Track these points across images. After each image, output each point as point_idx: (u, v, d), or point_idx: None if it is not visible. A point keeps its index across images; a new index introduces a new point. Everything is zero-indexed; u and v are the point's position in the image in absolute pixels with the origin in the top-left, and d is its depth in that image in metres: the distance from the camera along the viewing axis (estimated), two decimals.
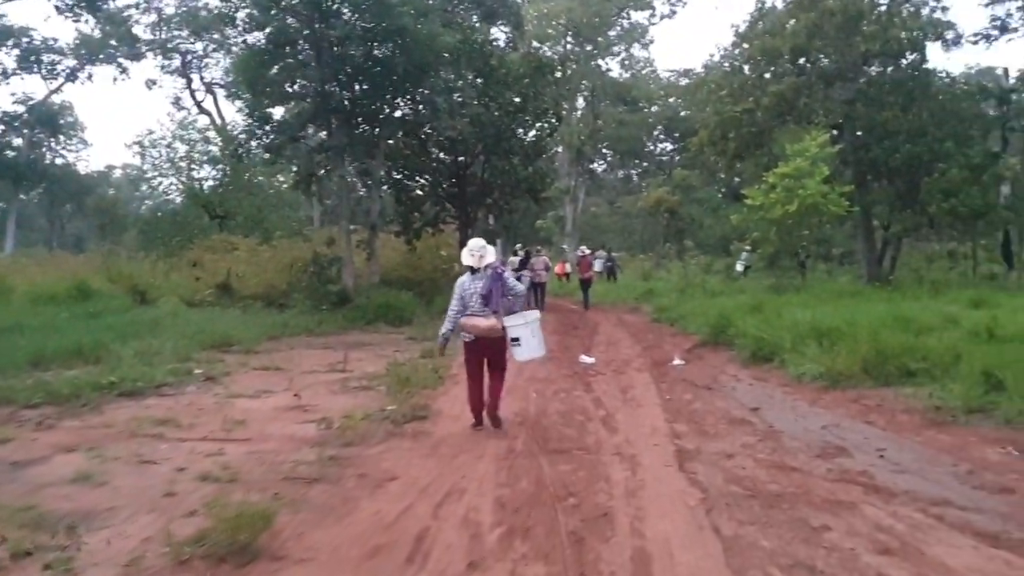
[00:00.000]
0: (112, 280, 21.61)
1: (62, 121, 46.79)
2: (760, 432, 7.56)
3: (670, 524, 5.00)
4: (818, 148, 21.46)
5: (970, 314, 12.62)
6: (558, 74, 27.30)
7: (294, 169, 21.04)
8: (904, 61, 24.12)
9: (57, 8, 33.79)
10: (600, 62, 44.19)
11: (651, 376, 11.16)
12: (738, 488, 5.71)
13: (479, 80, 21.26)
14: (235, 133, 20.82)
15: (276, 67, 19.07)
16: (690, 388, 10.07)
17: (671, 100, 51.47)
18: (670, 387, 10.18)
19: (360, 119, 19.61)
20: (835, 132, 24.22)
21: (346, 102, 19.19)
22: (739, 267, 31.44)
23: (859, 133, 24.09)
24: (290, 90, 19.54)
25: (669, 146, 54.68)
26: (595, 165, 53.90)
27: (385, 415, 8.46)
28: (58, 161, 50.57)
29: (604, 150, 51.40)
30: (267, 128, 19.47)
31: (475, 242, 8.25)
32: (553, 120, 22.55)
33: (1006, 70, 25.75)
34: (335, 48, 18.67)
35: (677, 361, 12.14)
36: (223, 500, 5.13)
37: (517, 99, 21.17)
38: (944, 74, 24.42)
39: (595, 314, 21.77)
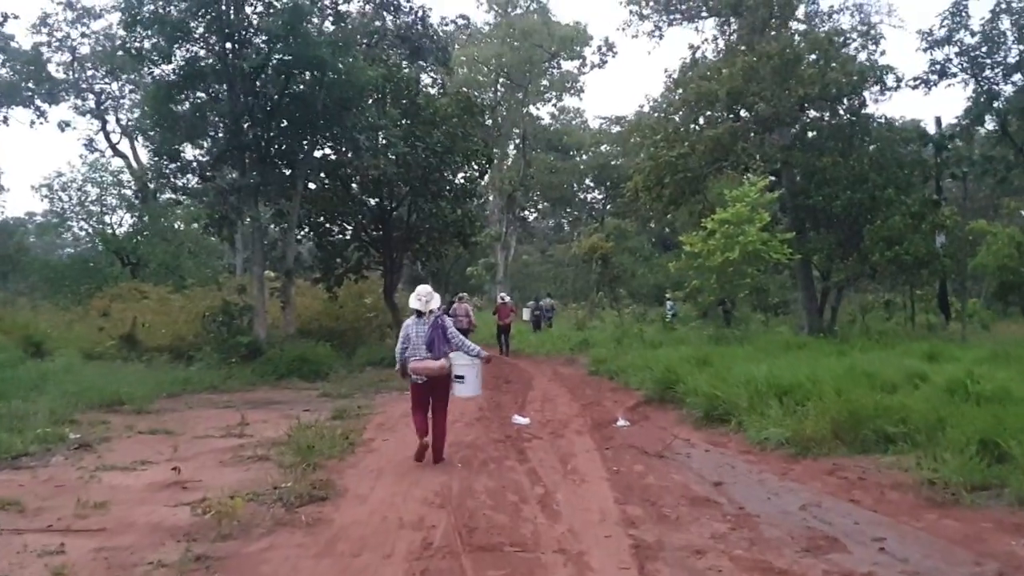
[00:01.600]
0: (3, 331, 19.63)
1: None
2: (730, 516, 6.27)
3: None
4: (758, 193, 20.75)
5: (932, 368, 11.66)
6: (488, 120, 26.34)
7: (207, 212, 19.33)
8: (842, 106, 23.71)
9: None
10: (532, 109, 43.61)
11: (593, 440, 9.85)
12: None
13: (405, 120, 20.03)
14: (142, 173, 18.93)
15: (186, 102, 17.55)
16: (639, 456, 8.77)
17: (603, 148, 51.12)
18: (616, 455, 8.87)
19: (276, 157, 18.16)
20: (773, 178, 23.63)
21: (260, 139, 17.74)
22: (668, 314, 31.86)
23: (798, 179, 23.50)
24: (201, 126, 17.96)
25: (600, 195, 54.20)
26: (527, 213, 53.12)
27: (277, 495, 6.93)
28: None
29: (535, 197, 50.59)
30: (175, 167, 17.85)
31: (423, 288, 8.79)
32: (483, 162, 21.41)
33: (938, 119, 25.58)
34: (248, 81, 17.28)
35: (621, 422, 10.87)
36: None
37: (445, 139, 19.94)
38: (882, 119, 24.01)
39: (529, 366, 20.48)
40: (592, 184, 52.81)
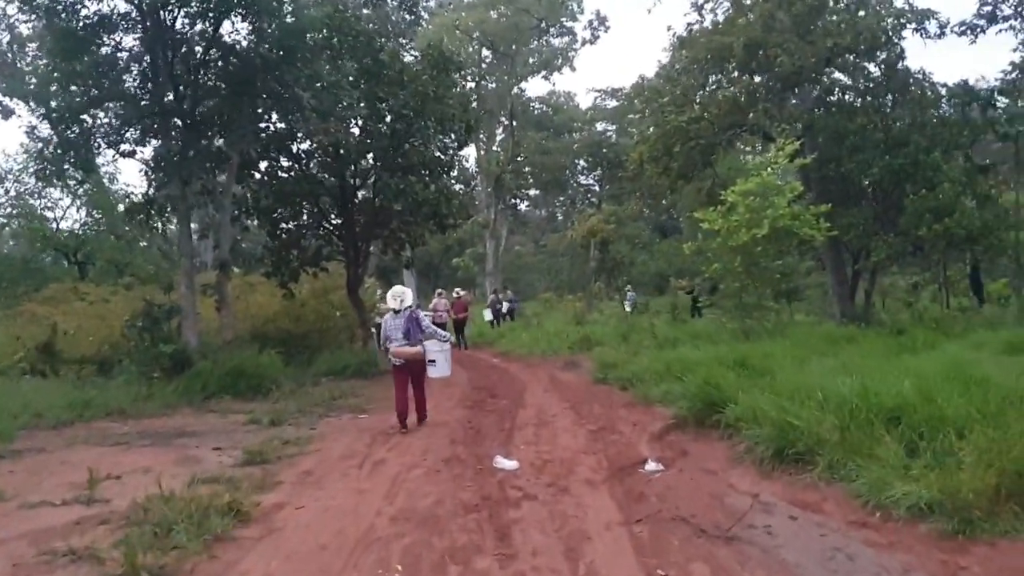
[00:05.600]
0: None
1: None
2: None
3: None
4: (786, 159, 17.41)
5: None
6: (466, 84, 22.95)
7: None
8: (875, 60, 20.36)
9: None
10: (520, 84, 40.21)
11: (614, 500, 6.54)
12: None
13: (364, 81, 16.59)
14: (43, 145, 15.47)
15: (95, 56, 14.13)
16: (694, 538, 5.44)
17: (598, 126, 47.63)
18: (656, 536, 5.54)
19: (204, 124, 14.78)
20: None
21: (183, 99, 14.38)
22: (627, 307, 31.11)
23: (822, 145, 20.14)
24: (114, 88, 14.55)
25: (594, 178, 50.71)
26: (517, 199, 49.73)
27: None
28: None
29: (526, 180, 47.10)
30: (79, 134, 14.41)
31: (397, 288, 10.54)
32: (462, 128, 17.98)
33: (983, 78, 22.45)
34: (168, 28, 13.89)
35: (652, 465, 7.53)
36: None
37: (413, 101, 16.49)
38: (920, 74, 20.66)
39: (521, 371, 17.17)
40: (586, 165, 49.25)
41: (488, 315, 29.19)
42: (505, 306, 29.71)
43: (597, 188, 50.43)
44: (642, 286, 39.82)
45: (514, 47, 35.82)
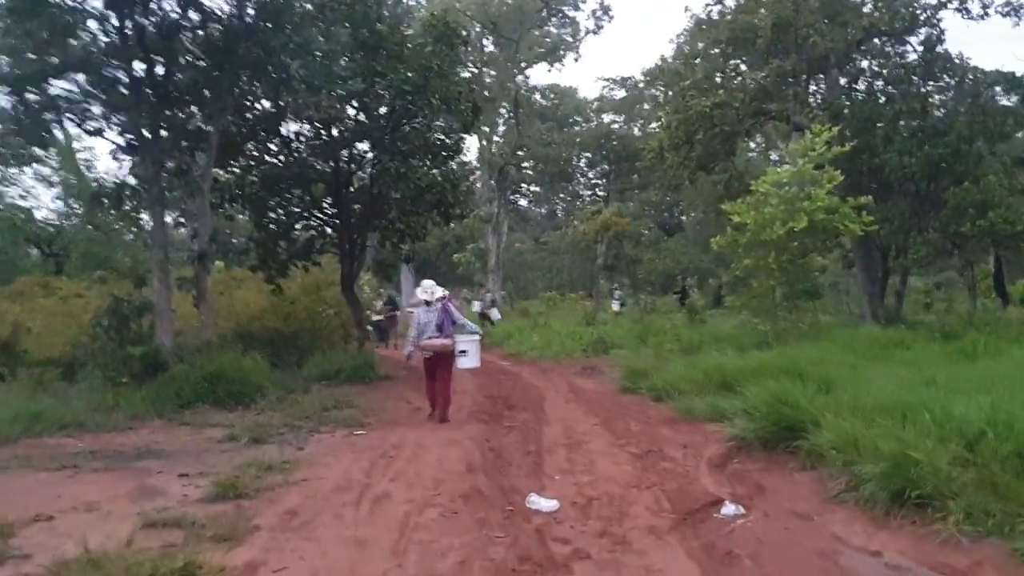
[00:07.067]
0: None
1: None
2: None
3: None
4: (824, 147, 15.87)
5: None
6: (471, 71, 21.34)
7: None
8: (909, 44, 18.85)
9: None
10: (524, 75, 38.62)
11: (693, 560, 4.97)
12: None
13: (361, 54, 14.98)
14: None
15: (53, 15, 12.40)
16: None
17: (604, 118, 45.95)
18: None
19: (179, 97, 13.11)
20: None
21: (153, 67, 12.73)
22: (615, 307, 32.00)
23: (849, 133, 18.58)
24: (81, 56, 12.86)
25: (600, 171, 49.13)
26: (520, 194, 48.14)
27: None
28: None
29: (529, 173, 45.49)
30: (41, 101, 12.72)
31: (426, 283, 10.89)
32: (468, 108, 16.34)
33: None
34: None
35: (730, 508, 5.92)
36: None
37: (416, 77, 14.86)
38: (959, 59, 19.12)
39: (535, 377, 15.60)
40: (593, 158, 47.60)
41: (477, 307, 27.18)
42: (476, 305, 27.09)
43: (604, 182, 48.88)
44: (649, 285, 38.42)
45: (518, 32, 34.15)
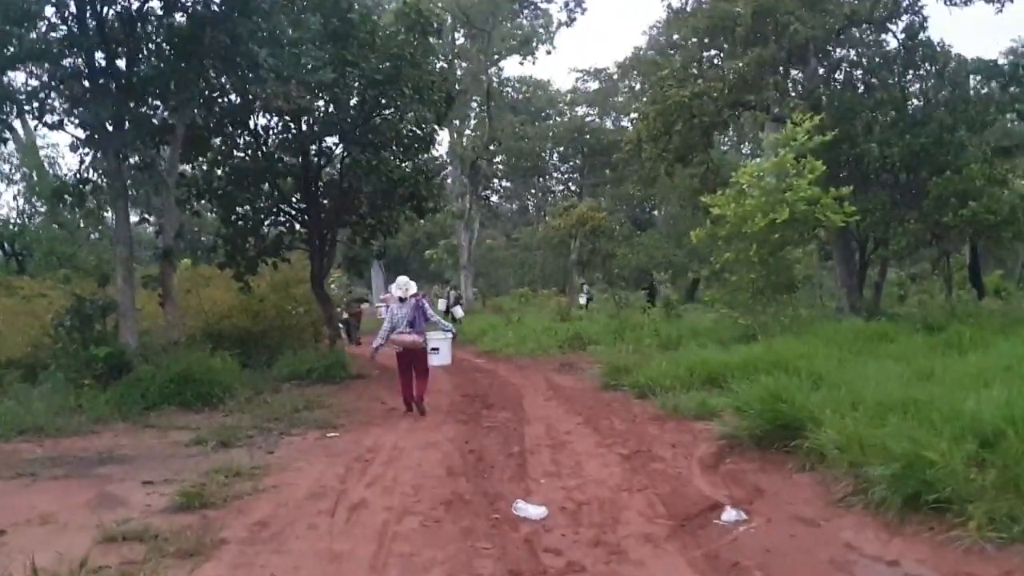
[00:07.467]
0: None
1: None
2: None
3: None
4: (805, 136, 15.64)
5: None
6: (442, 64, 20.88)
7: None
8: (889, 31, 18.67)
9: None
10: (497, 67, 38.15)
11: (696, 572, 4.62)
12: None
13: (330, 44, 14.49)
14: None
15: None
16: None
17: (578, 111, 45.56)
18: None
19: (142, 88, 12.56)
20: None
21: (114, 59, 12.19)
22: (582, 300, 32.14)
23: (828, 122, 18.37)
24: (35, 46, 12.25)
25: (572, 165, 48.81)
26: (491, 189, 47.70)
27: None
28: None
29: (501, 169, 45.08)
30: None
31: (402, 279, 10.96)
32: (441, 99, 15.89)
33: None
34: None
35: (731, 514, 5.57)
36: None
37: (387, 66, 14.42)
38: (940, 46, 18.96)
39: (511, 373, 15.21)
40: (565, 152, 47.26)
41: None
42: (441, 303, 26.41)
43: (578, 177, 48.57)
44: (622, 280, 38.15)
45: (490, 23, 33.71)
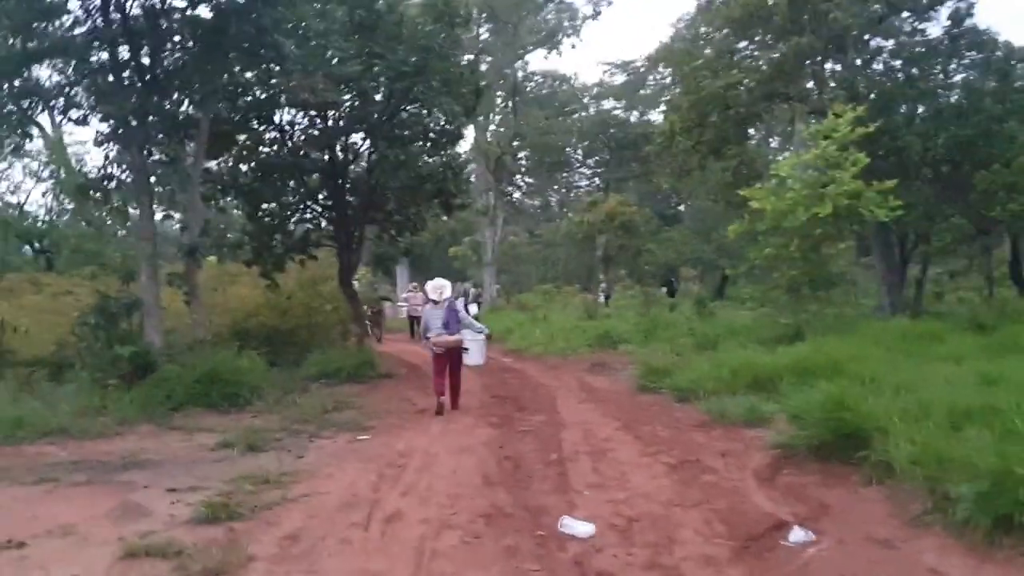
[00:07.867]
0: None
1: None
2: None
3: None
4: (848, 127, 15.10)
5: None
6: (467, 57, 20.51)
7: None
8: (932, 19, 18.06)
9: None
10: (522, 62, 37.80)
11: None
12: None
13: (358, 35, 14.16)
14: None
15: None
16: None
17: (605, 104, 45.04)
18: None
19: (167, 82, 12.29)
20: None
21: (138, 51, 11.93)
22: (600, 298, 32.69)
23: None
24: (59, 40, 12.04)
25: (597, 160, 48.28)
26: (514, 185, 47.31)
27: None
28: None
29: (525, 164, 44.68)
30: (22, 88, 11.93)
31: (437, 281, 11.28)
32: (470, 92, 15.55)
33: None
34: None
35: (798, 533, 5.12)
36: None
37: (415, 58, 14.09)
38: (987, 35, 18.33)
39: (541, 374, 14.86)
40: (591, 146, 46.76)
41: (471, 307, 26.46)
42: (459, 302, 25.96)
43: (603, 171, 48.03)
44: (650, 277, 37.69)
45: (515, 16, 33.34)
